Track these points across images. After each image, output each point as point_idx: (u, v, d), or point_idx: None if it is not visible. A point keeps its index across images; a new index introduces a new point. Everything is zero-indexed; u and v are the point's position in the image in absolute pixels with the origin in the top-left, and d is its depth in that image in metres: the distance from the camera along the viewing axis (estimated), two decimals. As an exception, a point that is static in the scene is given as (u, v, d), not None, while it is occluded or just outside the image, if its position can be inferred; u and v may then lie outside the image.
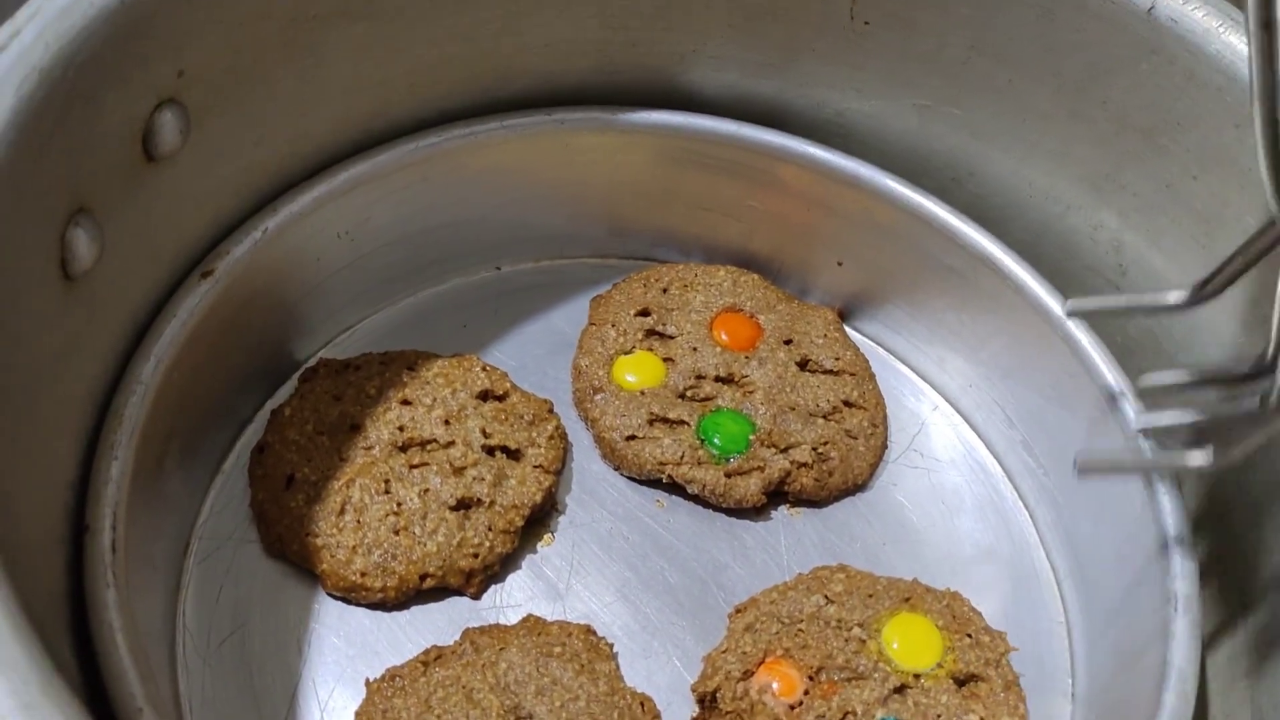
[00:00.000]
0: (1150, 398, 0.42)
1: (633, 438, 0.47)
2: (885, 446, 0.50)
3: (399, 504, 0.43)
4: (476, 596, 0.43)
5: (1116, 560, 0.43)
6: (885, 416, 0.50)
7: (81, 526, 0.34)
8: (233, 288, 0.42)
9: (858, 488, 0.48)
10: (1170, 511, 0.40)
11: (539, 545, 0.45)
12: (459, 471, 0.44)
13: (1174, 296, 0.39)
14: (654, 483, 0.47)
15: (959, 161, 0.49)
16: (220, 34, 0.37)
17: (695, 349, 0.50)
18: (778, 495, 0.48)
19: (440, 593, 0.43)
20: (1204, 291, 0.38)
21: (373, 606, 0.43)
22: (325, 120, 0.45)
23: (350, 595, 0.42)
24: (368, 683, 0.40)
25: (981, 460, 0.50)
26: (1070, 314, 0.43)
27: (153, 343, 0.39)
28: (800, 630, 0.42)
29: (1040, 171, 0.47)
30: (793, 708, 0.40)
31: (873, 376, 0.51)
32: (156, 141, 0.36)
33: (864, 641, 0.42)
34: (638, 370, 0.49)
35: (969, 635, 0.43)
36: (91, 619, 0.33)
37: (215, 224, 0.42)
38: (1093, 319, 0.44)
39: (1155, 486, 0.41)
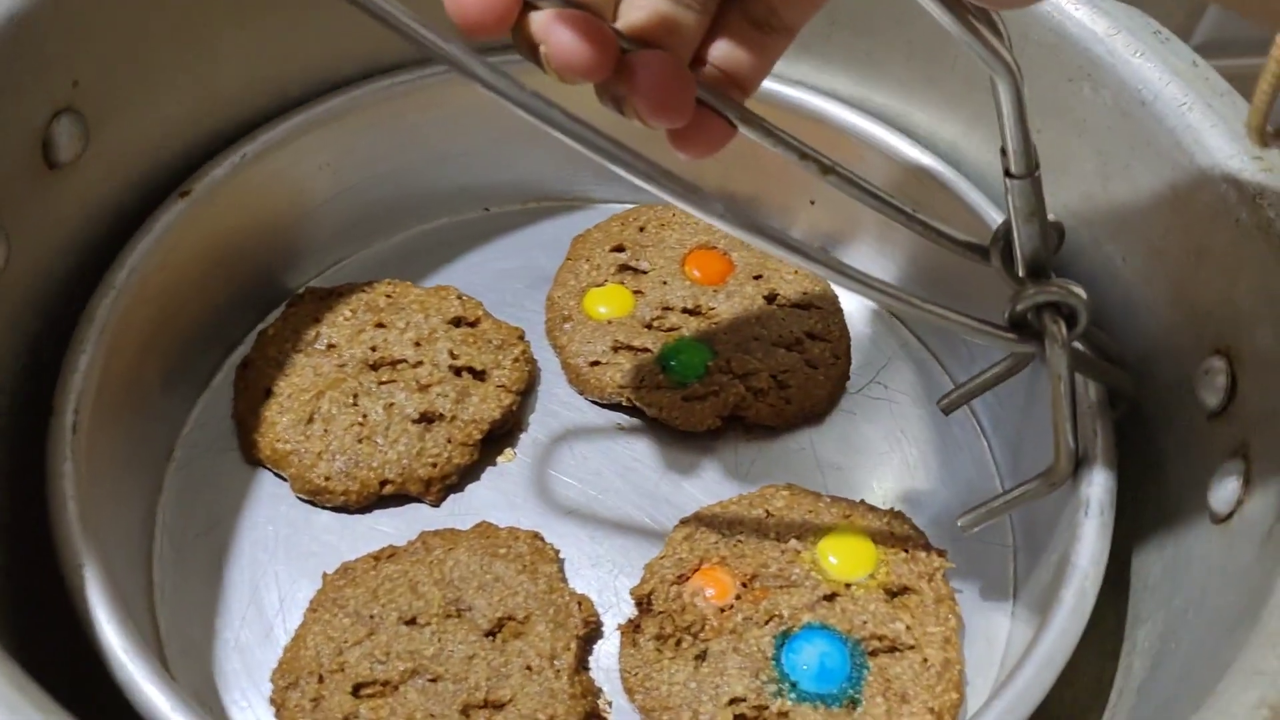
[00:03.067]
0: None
1: (596, 363, 0.49)
2: (846, 377, 0.51)
3: (365, 416, 0.46)
4: (436, 504, 0.46)
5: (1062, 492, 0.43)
6: (849, 349, 0.51)
7: (48, 409, 0.38)
8: (214, 209, 0.45)
9: (816, 416, 0.50)
10: (1102, 438, 0.41)
11: (501, 460, 0.48)
12: (424, 389, 0.47)
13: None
14: (616, 407, 0.49)
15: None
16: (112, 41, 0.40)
17: (665, 283, 0.52)
18: (735, 421, 0.49)
19: (401, 499, 0.46)
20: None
21: (337, 509, 0.45)
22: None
23: (316, 498, 0.45)
24: (325, 576, 0.42)
25: (945, 390, 0.50)
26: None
27: (128, 254, 0.42)
28: (739, 541, 0.44)
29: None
30: (722, 610, 0.42)
31: (840, 310, 0.52)
32: (56, 150, 0.39)
33: (799, 553, 0.43)
34: (608, 301, 0.51)
35: (905, 550, 0.44)
36: (47, 489, 0.36)
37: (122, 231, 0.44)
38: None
39: (1098, 424, 0.41)
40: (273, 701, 0.39)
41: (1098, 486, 0.39)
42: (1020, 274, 0.38)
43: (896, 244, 0.52)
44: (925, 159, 0.49)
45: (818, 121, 0.51)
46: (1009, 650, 0.43)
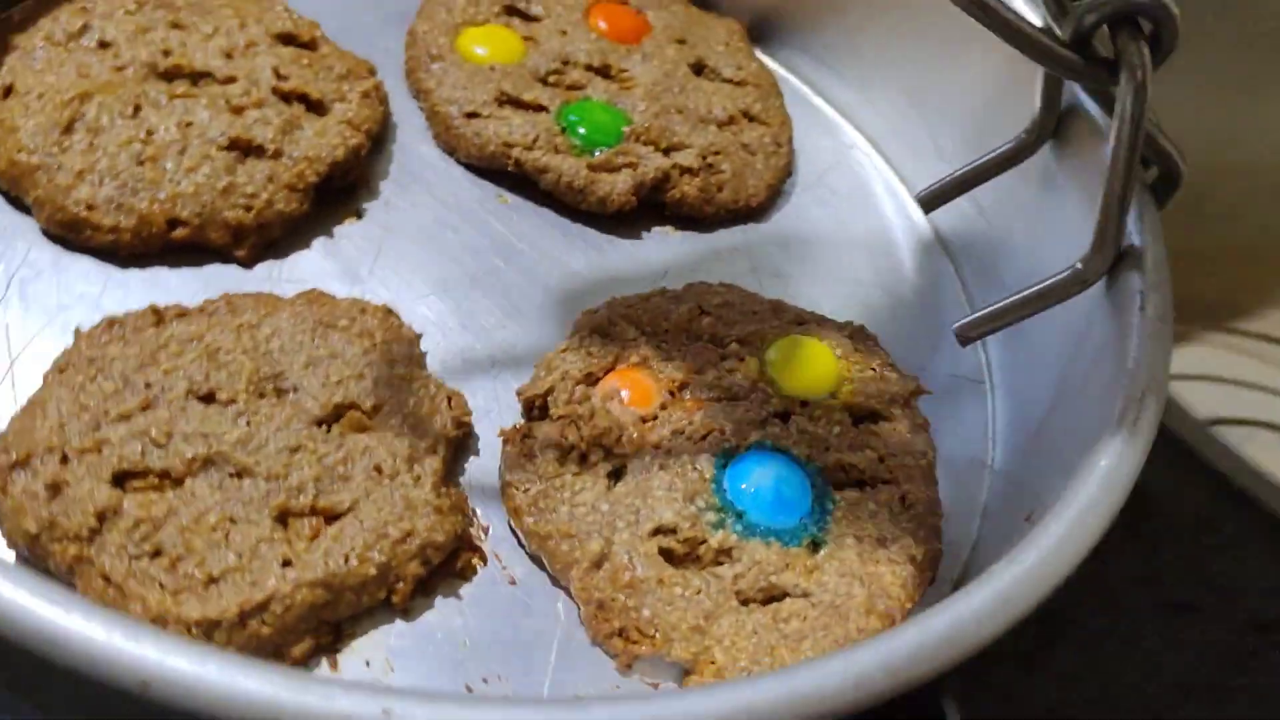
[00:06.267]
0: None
1: (474, 115, 0.37)
2: (789, 171, 0.41)
3: (149, 131, 0.33)
4: (247, 264, 0.33)
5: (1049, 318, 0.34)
6: (791, 138, 0.41)
7: None
8: None
9: (752, 211, 0.39)
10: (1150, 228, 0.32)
11: (340, 224, 0.35)
12: (238, 111, 0.34)
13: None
14: (499, 174, 0.38)
15: None
16: None
17: (564, 32, 0.40)
18: (653, 206, 0.38)
19: (198, 252, 0.33)
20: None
21: (103, 253, 0.32)
22: None
23: (73, 234, 0.32)
24: (78, 331, 0.29)
25: (903, 203, 0.41)
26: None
27: None
28: (664, 342, 0.33)
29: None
30: (644, 420, 0.31)
31: (779, 94, 0.42)
32: None
33: (742, 360, 0.33)
34: (488, 43, 0.40)
35: (873, 369, 0.34)
36: None
37: None
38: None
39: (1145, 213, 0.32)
40: (-17, 487, 0.26)
41: (1155, 286, 0.30)
42: None
43: (848, 28, 0.42)
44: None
45: None
46: (988, 504, 0.34)
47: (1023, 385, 0.36)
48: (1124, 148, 0.28)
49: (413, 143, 0.38)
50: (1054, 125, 0.34)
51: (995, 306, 0.32)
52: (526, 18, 0.41)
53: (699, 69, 0.41)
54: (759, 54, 0.44)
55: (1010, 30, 0.27)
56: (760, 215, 0.39)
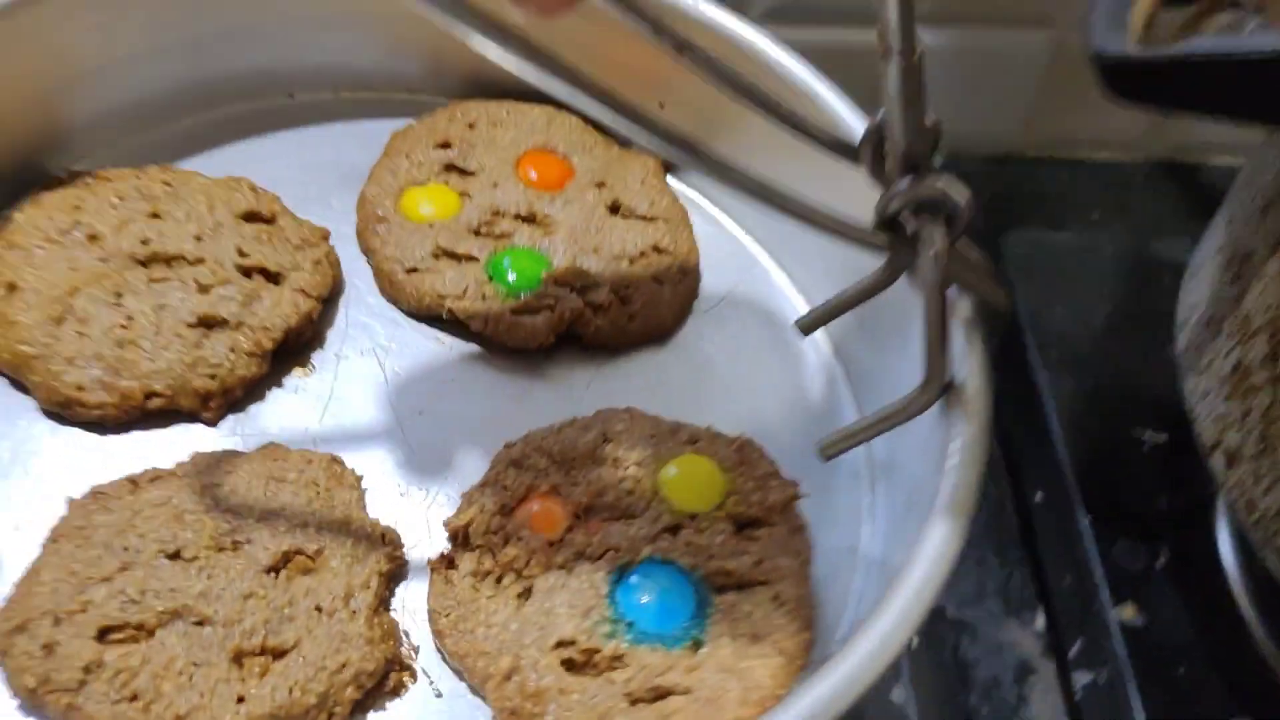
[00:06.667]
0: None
1: (414, 270, 0.43)
2: (694, 295, 0.46)
3: (129, 317, 0.39)
4: (213, 423, 0.39)
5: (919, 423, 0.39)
6: (697, 265, 0.46)
7: None
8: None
9: (661, 336, 0.45)
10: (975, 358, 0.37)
11: (293, 377, 0.41)
12: (205, 290, 0.40)
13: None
14: (435, 320, 0.43)
15: None
16: None
17: (496, 185, 0.46)
18: (571, 339, 0.44)
19: (172, 416, 0.39)
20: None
21: (91, 425, 0.38)
22: None
23: (66, 411, 0.38)
24: (70, 501, 0.35)
25: (799, 313, 0.46)
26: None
27: None
28: (572, 469, 0.38)
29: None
30: (551, 544, 0.36)
31: (688, 225, 0.47)
32: None
33: (639, 481, 0.38)
34: (430, 202, 0.45)
35: (754, 479, 0.39)
36: None
37: None
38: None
39: (971, 342, 0.37)
40: (-9, 650, 0.32)
41: (972, 416, 0.35)
42: (893, 174, 0.34)
43: (753, 154, 0.47)
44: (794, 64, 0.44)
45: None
46: (865, 586, 0.39)
47: (895, 479, 0.41)
48: (932, 308, 0.34)
49: (361, 294, 0.44)
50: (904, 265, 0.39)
51: (851, 427, 0.37)
52: (464, 173, 0.47)
53: (615, 208, 0.47)
54: (673, 181, 0.49)
55: (826, 223, 0.32)
56: (666, 337, 0.45)
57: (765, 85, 0.40)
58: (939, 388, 0.35)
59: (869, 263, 0.42)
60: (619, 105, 0.27)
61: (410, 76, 0.50)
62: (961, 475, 0.34)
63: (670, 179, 0.49)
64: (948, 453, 0.34)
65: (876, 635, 0.31)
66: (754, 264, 0.48)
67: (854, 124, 0.42)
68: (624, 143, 0.50)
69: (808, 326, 0.42)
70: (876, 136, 0.34)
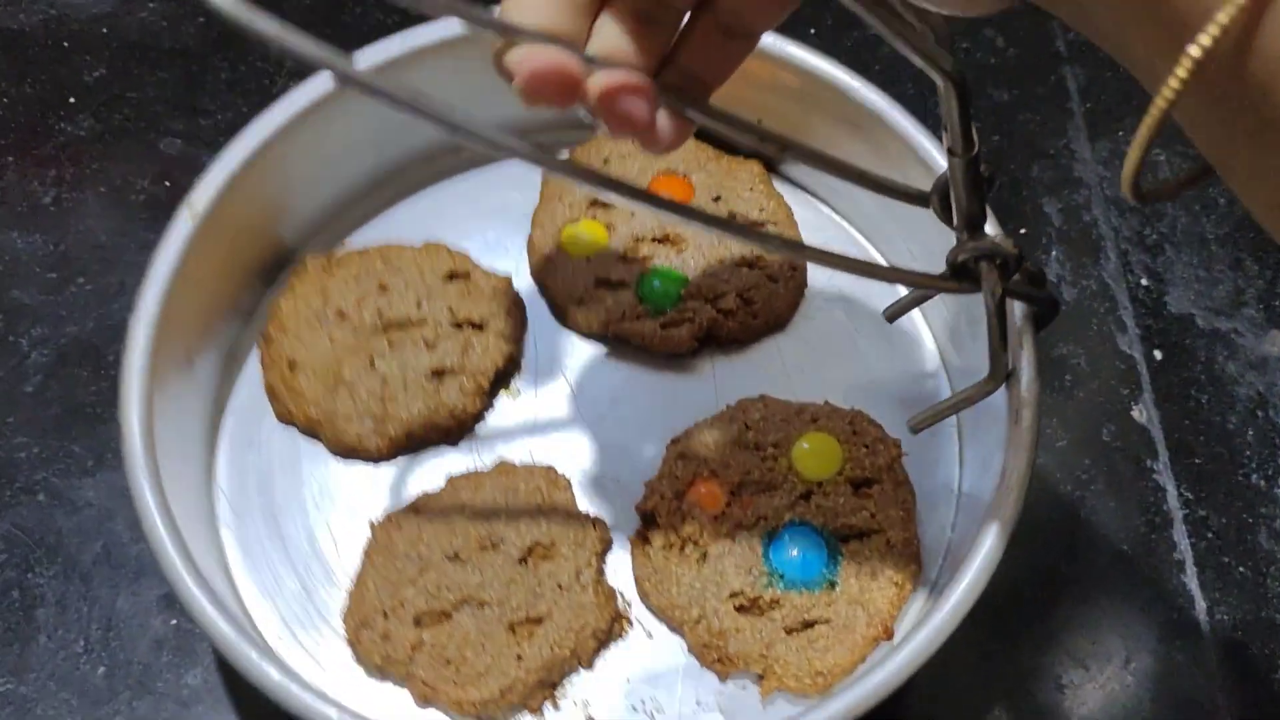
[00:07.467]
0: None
1: (581, 302, 0.55)
2: (804, 286, 0.57)
3: (384, 379, 0.52)
4: (454, 444, 0.52)
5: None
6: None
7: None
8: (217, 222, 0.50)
9: (780, 325, 0.56)
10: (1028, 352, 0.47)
11: (505, 400, 0.54)
12: (431, 346, 0.53)
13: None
14: (601, 338, 0.55)
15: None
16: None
17: (634, 213, 0.57)
18: (708, 340, 0.55)
19: (423, 444, 0.52)
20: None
21: (370, 461, 0.52)
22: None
23: (350, 454, 0.51)
24: (371, 524, 0.49)
25: (895, 292, 0.56)
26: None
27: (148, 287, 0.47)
28: (724, 454, 0.51)
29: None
30: (716, 518, 0.49)
31: (794, 223, 0.58)
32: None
33: (776, 459, 0.50)
34: (584, 238, 0.56)
35: (865, 445, 0.51)
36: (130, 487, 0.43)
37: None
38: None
39: (1024, 340, 0.47)
40: (349, 641, 0.46)
41: (1025, 396, 0.46)
42: (956, 224, 0.44)
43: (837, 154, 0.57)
44: (878, 99, 0.53)
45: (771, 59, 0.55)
46: (957, 521, 0.51)
47: (978, 434, 0.52)
48: (992, 324, 0.44)
49: (543, 324, 0.56)
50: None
51: (936, 405, 0.48)
52: (605, 205, 0.58)
53: (731, 217, 0.57)
54: (778, 183, 0.60)
55: (903, 276, 0.43)
56: (784, 325, 0.56)
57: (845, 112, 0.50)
58: (1001, 377, 0.46)
59: (945, 246, 0.53)
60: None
61: (539, 122, 0.61)
62: (1023, 437, 0.45)
63: (780, 174, 0.59)
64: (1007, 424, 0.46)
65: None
66: (851, 246, 0.58)
67: (926, 145, 0.52)
68: (731, 150, 0.60)
69: (893, 315, 0.53)
70: (943, 188, 0.44)
